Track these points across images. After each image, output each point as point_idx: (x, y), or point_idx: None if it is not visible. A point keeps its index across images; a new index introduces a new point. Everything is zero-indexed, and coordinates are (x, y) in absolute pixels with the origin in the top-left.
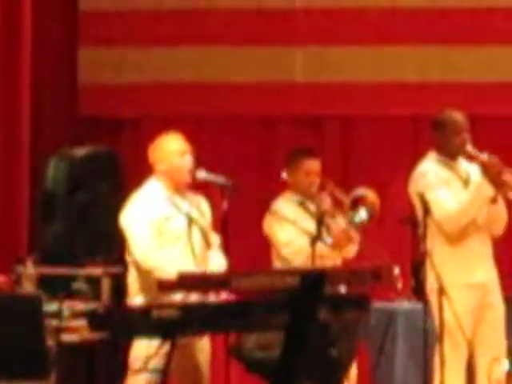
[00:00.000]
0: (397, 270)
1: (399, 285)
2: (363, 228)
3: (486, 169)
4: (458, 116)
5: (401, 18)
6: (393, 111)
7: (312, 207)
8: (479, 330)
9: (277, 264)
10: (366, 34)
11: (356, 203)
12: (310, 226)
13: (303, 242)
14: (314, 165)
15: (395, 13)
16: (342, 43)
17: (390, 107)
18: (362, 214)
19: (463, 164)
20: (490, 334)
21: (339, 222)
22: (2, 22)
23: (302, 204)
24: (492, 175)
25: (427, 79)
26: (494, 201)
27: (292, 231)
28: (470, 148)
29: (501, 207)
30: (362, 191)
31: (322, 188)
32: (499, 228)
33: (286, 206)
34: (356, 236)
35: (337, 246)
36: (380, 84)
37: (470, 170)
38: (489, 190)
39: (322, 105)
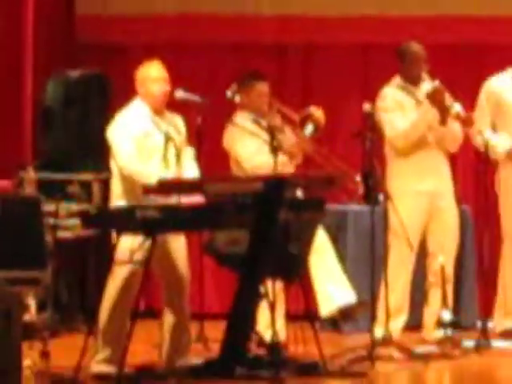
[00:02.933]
0: (358, 178)
1: (360, 190)
2: (316, 140)
3: (430, 95)
4: (417, 47)
5: None
6: (349, 41)
7: (264, 124)
8: (430, 231)
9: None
10: None
11: (305, 120)
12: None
13: (263, 158)
14: (264, 86)
15: None
16: None
17: (346, 37)
18: (309, 129)
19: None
20: (440, 235)
21: (289, 136)
22: None
23: (255, 121)
24: (435, 101)
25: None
26: (442, 122)
27: (252, 146)
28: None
29: (452, 128)
30: (308, 109)
31: (270, 107)
32: (453, 146)
33: (243, 122)
34: (310, 147)
35: (290, 156)
36: (341, 17)
37: None
38: (431, 114)
39: (286, 35)
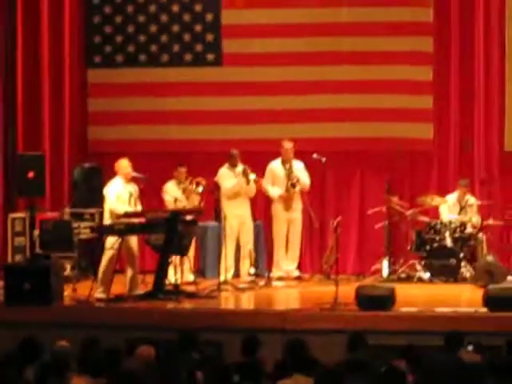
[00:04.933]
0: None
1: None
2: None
3: (242, 172)
4: (288, 145)
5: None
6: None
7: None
8: (240, 232)
9: None
10: None
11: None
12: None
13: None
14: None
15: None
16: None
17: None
18: (200, 189)
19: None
20: (244, 234)
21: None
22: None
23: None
24: (244, 175)
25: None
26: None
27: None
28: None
29: (251, 188)
30: (202, 179)
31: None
32: (251, 195)
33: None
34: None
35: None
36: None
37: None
38: (244, 183)
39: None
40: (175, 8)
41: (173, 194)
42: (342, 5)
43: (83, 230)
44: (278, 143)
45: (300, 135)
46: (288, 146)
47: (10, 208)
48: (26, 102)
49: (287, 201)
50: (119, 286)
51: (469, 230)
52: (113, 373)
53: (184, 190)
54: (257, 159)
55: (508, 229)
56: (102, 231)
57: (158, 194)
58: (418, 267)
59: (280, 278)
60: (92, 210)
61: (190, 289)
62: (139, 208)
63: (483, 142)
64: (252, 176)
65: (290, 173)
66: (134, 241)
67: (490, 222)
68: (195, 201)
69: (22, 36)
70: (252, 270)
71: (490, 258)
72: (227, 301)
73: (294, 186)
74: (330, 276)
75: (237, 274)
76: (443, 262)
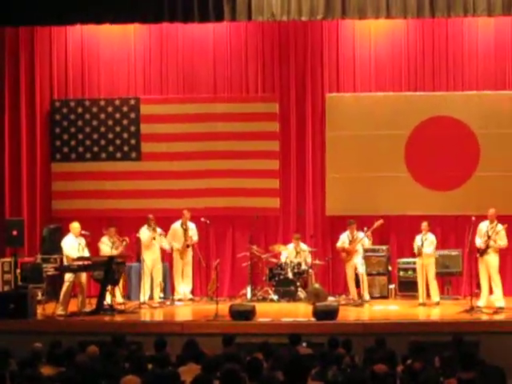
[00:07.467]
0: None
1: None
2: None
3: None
4: (150, 216)
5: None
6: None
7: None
8: (154, 271)
9: None
10: None
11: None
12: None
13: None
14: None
15: None
16: None
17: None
18: (124, 243)
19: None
20: (156, 272)
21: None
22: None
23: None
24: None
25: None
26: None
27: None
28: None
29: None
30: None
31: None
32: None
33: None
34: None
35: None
36: None
37: None
38: (158, 242)
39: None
40: (110, 122)
41: (106, 245)
42: (218, 120)
43: (50, 269)
44: (180, 211)
45: (193, 206)
46: (186, 213)
47: (0, 255)
48: (11, 184)
49: (183, 252)
50: (73, 306)
51: (303, 267)
52: (70, 364)
53: (113, 243)
54: (164, 221)
55: (327, 266)
56: (62, 270)
57: (96, 243)
58: (270, 292)
59: (179, 300)
60: (55, 256)
61: (120, 307)
62: (86, 254)
63: (312, 209)
64: (164, 242)
65: (186, 232)
66: (83, 276)
67: (316, 262)
68: (121, 250)
69: (9, 141)
70: (161, 295)
71: (316, 285)
72: (145, 315)
73: (188, 246)
74: (213, 298)
75: (151, 297)
76: (286, 289)
